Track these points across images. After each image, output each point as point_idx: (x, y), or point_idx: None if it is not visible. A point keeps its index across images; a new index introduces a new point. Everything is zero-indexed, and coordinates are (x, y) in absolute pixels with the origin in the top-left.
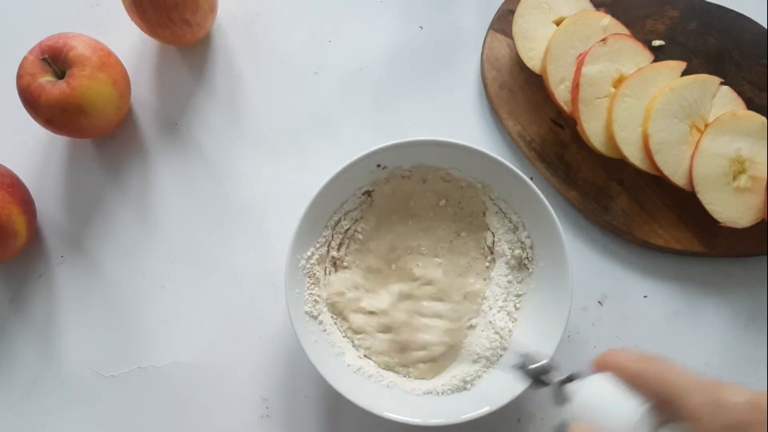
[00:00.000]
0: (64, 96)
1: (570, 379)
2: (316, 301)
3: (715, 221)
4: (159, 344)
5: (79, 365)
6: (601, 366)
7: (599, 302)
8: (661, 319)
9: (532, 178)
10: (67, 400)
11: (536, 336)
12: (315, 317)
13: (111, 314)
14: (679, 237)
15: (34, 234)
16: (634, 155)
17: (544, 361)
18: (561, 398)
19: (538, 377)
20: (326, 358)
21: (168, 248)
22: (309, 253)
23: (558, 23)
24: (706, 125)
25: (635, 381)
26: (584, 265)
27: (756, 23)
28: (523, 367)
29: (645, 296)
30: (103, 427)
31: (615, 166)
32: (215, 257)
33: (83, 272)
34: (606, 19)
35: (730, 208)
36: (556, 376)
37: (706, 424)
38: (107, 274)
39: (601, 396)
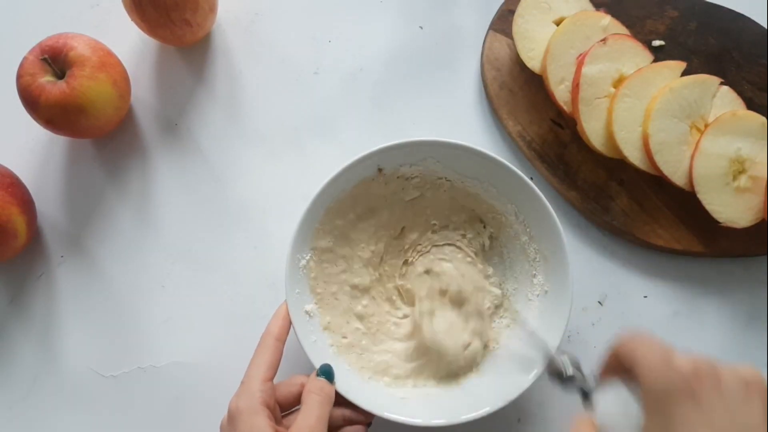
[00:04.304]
0: (64, 96)
1: (586, 390)
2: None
3: (715, 221)
4: (159, 344)
5: (79, 365)
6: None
7: (599, 302)
8: (661, 319)
9: (532, 178)
10: (67, 400)
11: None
12: (315, 317)
13: (111, 314)
14: (679, 237)
15: (34, 234)
16: (634, 155)
17: (569, 369)
18: (587, 404)
19: (561, 379)
20: (326, 358)
21: (168, 248)
22: (309, 253)
23: (558, 23)
24: (706, 125)
25: (624, 360)
26: (584, 265)
27: (756, 23)
28: (551, 369)
29: (645, 296)
30: (103, 427)
31: (615, 166)
32: (215, 257)
33: (83, 272)
34: (606, 19)
35: (730, 208)
36: (578, 379)
37: (653, 383)
38: (107, 274)
39: (616, 408)
